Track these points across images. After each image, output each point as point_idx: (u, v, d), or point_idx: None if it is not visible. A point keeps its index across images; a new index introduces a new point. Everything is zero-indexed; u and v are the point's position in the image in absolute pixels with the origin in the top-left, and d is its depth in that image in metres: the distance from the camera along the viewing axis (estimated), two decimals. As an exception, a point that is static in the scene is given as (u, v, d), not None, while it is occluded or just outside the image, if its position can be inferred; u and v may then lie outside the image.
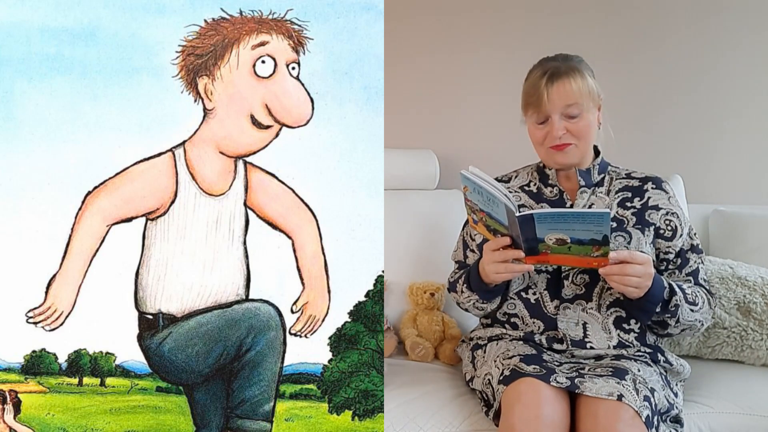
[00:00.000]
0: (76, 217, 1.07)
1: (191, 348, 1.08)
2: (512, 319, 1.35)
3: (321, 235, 1.08)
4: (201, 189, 1.08)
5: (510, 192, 1.35)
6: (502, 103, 1.97)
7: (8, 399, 1.08)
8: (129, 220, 1.08)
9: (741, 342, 1.52)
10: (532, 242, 1.14)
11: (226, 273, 1.08)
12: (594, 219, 1.09)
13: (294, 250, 1.09)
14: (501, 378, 1.19)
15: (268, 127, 1.07)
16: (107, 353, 1.08)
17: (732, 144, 2.10)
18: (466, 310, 1.40)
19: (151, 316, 1.08)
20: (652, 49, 2.07)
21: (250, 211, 1.09)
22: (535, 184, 1.40)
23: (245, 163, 1.08)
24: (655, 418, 1.12)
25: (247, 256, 1.09)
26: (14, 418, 1.08)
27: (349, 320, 1.09)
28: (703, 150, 2.10)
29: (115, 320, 1.08)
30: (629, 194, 1.35)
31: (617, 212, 1.32)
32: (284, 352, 1.09)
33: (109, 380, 1.09)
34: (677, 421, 1.22)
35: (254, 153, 1.08)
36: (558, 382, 1.13)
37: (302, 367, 1.09)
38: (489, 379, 1.23)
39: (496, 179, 1.41)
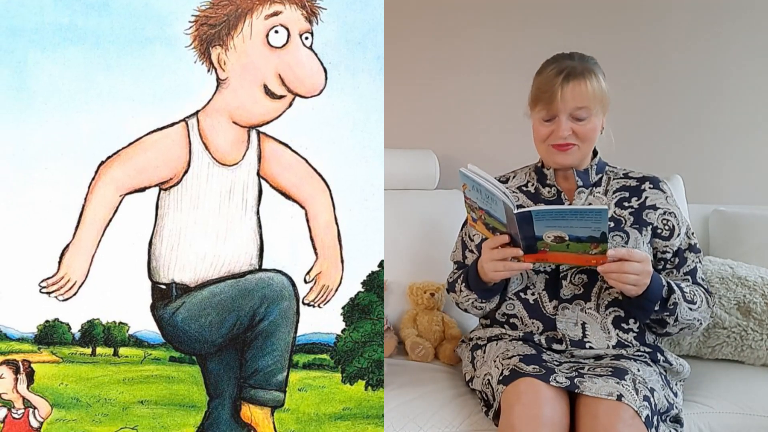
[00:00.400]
0: (89, 187, 1.07)
1: (204, 318, 1.08)
2: (511, 320, 1.35)
3: (334, 205, 1.08)
4: (214, 159, 1.08)
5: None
6: (502, 103, 1.98)
7: (21, 369, 1.08)
8: (142, 189, 1.08)
9: (741, 342, 1.52)
10: (530, 240, 1.14)
11: (240, 243, 1.08)
12: (592, 216, 1.08)
13: (307, 220, 1.09)
14: (501, 378, 1.19)
15: (281, 97, 1.07)
16: (120, 323, 1.08)
17: (732, 144, 2.10)
18: (465, 310, 1.39)
19: (164, 286, 1.08)
20: (652, 49, 2.07)
21: (263, 181, 1.09)
22: (533, 185, 1.40)
23: (258, 133, 1.08)
24: (655, 417, 1.12)
25: (260, 226, 1.09)
26: (27, 388, 1.08)
27: (363, 290, 1.09)
28: (703, 150, 2.10)
29: (129, 290, 1.08)
30: (627, 194, 1.35)
31: (615, 212, 1.32)
32: (297, 322, 1.09)
33: (122, 350, 1.09)
34: (677, 420, 1.22)
35: (267, 123, 1.08)
36: (557, 382, 1.13)
37: (315, 337, 1.09)
38: (489, 379, 1.23)
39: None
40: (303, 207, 1.09)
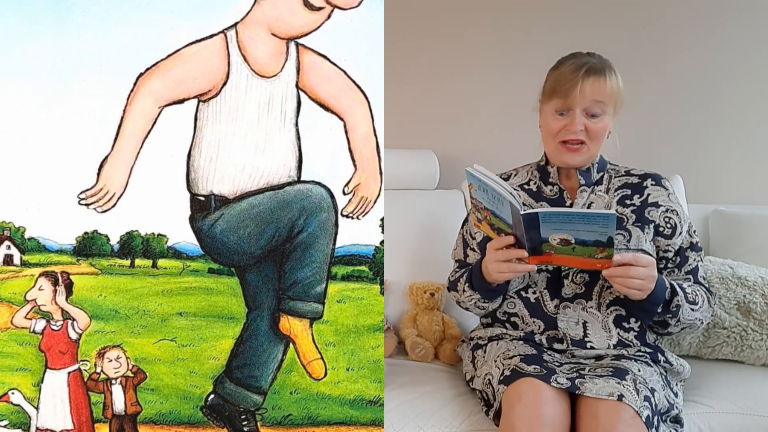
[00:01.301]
0: (128, 99, 1.07)
1: (243, 230, 1.08)
2: (512, 319, 1.34)
3: (373, 117, 1.08)
4: (253, 71, 1.08)
5: None
6: (502, 103, 1.98)
7: (60, 281, 1.08)
8: (181, 101, 1.08)
9: (741, 342, 1.51)
10: (535, 242, 1.13)
11: (278, 155, 1.08)
12: (599, 220, 1.07)
13: (346, 132, 1.09)
14: (501, 378, 1.18)
15: (319, 8, 1.07)
16: (159, 235, 1.08)
17: (732, 144, 2.09)
18: (467, 309, 1.38)
19: (203, 198, 1.08)
20: (653, 50, 2.06)
21: (301, 93, 1.09)
22: (534, 183, 1.39)
23: (297, 44, 1.08)
24: (655, 418, 1.12)
25: (299, 138, 1.09)
26: (66, 300, 1.09)
27: (401, 202, 1.09)
28: (703, 150, 2.09)
29: (167, 202, 1.08)
30: (629, 191, 1.34)
31: (617, 210, 1.31)
32: (336, 233, 1.09)
33: (161, 262, 1.09)
34: (677, 421, 1.21)
35: (306, 35, 1.08)
36: (558, 383, 1.12)
37: (354, 249, 1.09)
38: (489, 379, 1.22)
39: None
40: (342, 119, 1.09)
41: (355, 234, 1.09)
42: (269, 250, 1.09)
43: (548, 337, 1.28)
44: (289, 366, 1.10)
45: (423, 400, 1.29)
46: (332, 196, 1.08)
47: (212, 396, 1.10)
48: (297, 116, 1.09)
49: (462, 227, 1.46)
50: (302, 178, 1.09)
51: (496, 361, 1.24)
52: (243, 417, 1.10)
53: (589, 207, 1.32)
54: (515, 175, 1.43)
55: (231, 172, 1.08)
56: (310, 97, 1.09)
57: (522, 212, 1.09)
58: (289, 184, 1.08)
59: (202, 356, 1.09)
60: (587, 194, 1.33)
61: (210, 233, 1.08)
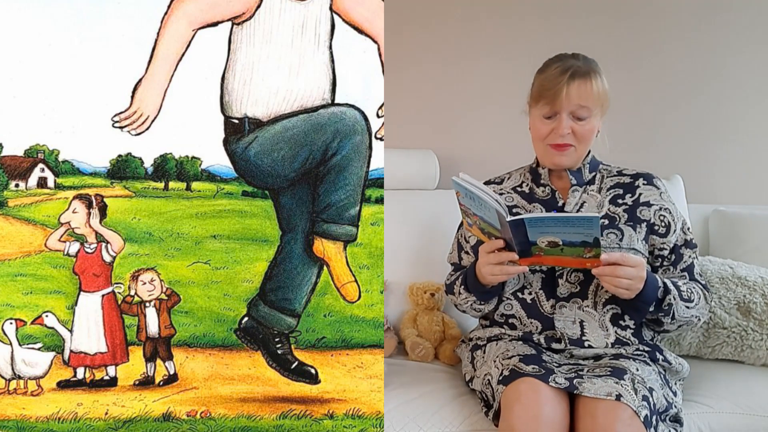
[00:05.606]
0: (162, 22, 1.07)
1: (277, 152, 1.08)
2: (510, 320, 1.34)
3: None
4: (287, -7, 1.08)
5: (503, 193, 1.36)
6: (502, 103, 1.95)
7: (94, 203, 1.08)
8: (215, 24, 1.08)
9: (741, 342, 1.50)
10: (524, 245, 1.14)
11: (312, 77, 1.08)
12: (583, 223, 1.08)
13: (379, 55, 1.09)
14: (500, 378, 1.17)
15: (353, -70, 1.07)
16: (193, 157, 1.08)
17: (732, 144, 2.09)
18: (464, 311, 1.39)
19: (237, 121, 1.08)
20: (652, 50, 2.06)
21: (335, 16, 1.09)
22: (527, 185, 1.39)
23: (331, -33, 1.08)
24: (654, 417, 1.11)
25: (332, 61, 1.09)
26: (100, 223, 1.09)
27: (435, 124, 1.09)
28: (703, 150, 2.09)
29: (201, 124, 1.08)
30: (621, 191, 1.33)
31: (609, 209, 1.31)
32: (370, 156, 1.09)
33: (194, 184, 1.09)
34: (677, 420, 1.21)
35: (340, -43, 1.08)
36: (557, 383, 1.12)
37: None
38: (489, 380, 1.22)
39: (489, 182, 1.41)
40: (375, 42, 1.09)
41: (388, 157, 1.09)
42: (303, 173, 1.09)
43: (546, 337, 1.28)
44: (323, 289, 1.10)
45: (423, 400, 1.28)
46: (366, 119, 1.09)
47: (246, 319, 1.10)
48: (331, 39, 1.09)
49: (457, 231, 1.46)
50: (336, 101, 1.09)
51: (495, 362, 1.24)
52: (277, 340, 1.10)
53: (581, 206, 1.32)
54: (508, 178, 1.43)
55: (265, 94, 1.08)
56: (344, 19, 1.09)
57: (508, 219, 1.10)
58: (323, 106, 1.08)
59: (236, 279, 1.09)
60: (579, 194, 1.33)
61: (244, 156, 1.08)
